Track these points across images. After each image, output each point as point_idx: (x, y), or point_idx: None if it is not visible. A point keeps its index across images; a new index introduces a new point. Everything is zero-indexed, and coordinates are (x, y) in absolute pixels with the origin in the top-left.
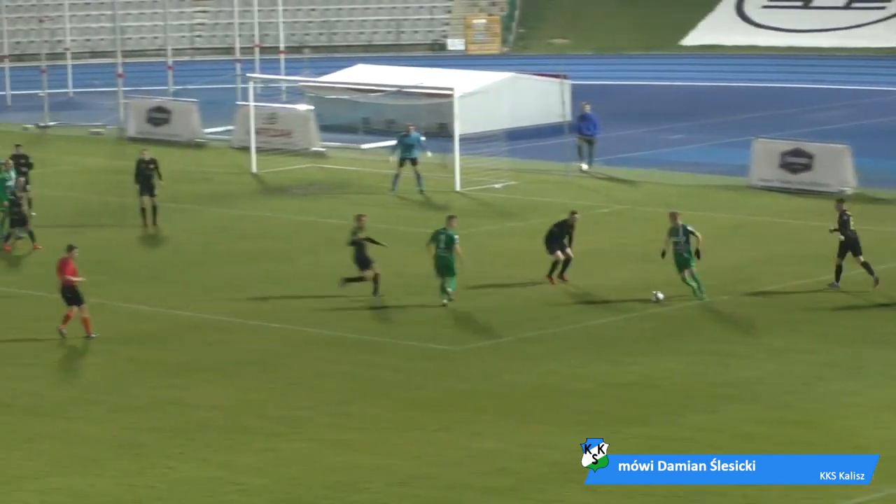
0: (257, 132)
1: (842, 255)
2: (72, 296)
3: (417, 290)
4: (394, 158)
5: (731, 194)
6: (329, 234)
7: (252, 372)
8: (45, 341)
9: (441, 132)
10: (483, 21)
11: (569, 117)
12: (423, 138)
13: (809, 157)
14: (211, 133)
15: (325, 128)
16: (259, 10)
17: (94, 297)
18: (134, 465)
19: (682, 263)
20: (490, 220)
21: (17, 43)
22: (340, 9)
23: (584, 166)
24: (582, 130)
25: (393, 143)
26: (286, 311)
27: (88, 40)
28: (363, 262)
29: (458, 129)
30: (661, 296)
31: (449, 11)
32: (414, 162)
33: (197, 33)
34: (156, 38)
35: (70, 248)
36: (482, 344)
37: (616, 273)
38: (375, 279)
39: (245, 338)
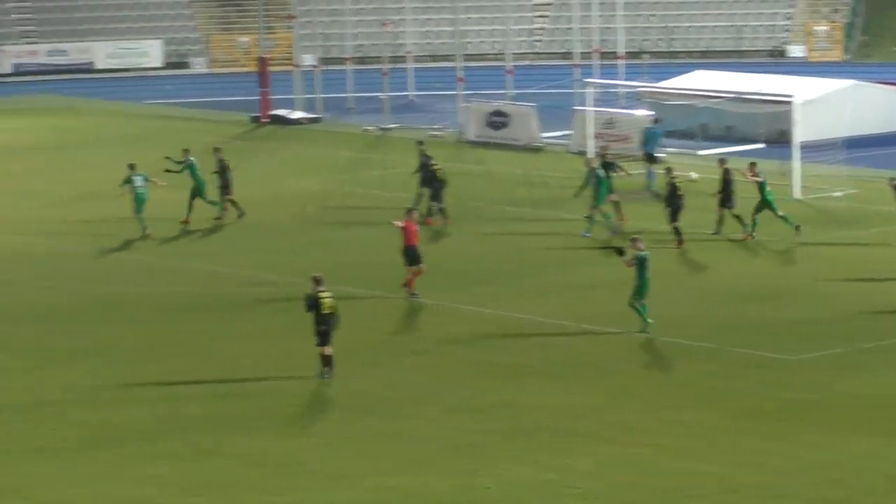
0: (595, 137)
1: None
2: (413, 256)
3: (751, 298)
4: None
5: None
6: (659, 240)
7: (584, 375)
8: (379, 342)
9: (781, 139)
10: (825, 28)
11: None
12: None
13: None
14: (549, 137)
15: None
16: (599, 16)
17: (429, 298)
18: (467, 466)
19: None
20: (829, 229)
21: (360, 46)
22: (680, 14)
23: None
24: None
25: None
26: (620, 317)
27: (429, 44)
28: None
29: (798, 136)
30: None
31: (790, 18)
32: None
33: (536, 38)
34: (496, 42)
35: (409, 212)
36: (816, 354)
37: None
38: None
39: (578, 341)
